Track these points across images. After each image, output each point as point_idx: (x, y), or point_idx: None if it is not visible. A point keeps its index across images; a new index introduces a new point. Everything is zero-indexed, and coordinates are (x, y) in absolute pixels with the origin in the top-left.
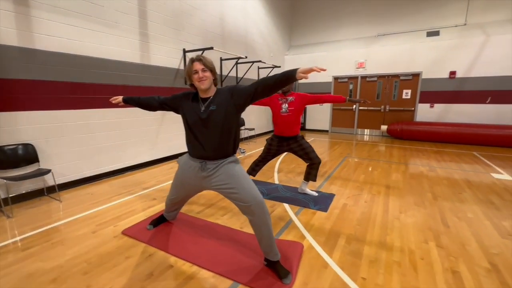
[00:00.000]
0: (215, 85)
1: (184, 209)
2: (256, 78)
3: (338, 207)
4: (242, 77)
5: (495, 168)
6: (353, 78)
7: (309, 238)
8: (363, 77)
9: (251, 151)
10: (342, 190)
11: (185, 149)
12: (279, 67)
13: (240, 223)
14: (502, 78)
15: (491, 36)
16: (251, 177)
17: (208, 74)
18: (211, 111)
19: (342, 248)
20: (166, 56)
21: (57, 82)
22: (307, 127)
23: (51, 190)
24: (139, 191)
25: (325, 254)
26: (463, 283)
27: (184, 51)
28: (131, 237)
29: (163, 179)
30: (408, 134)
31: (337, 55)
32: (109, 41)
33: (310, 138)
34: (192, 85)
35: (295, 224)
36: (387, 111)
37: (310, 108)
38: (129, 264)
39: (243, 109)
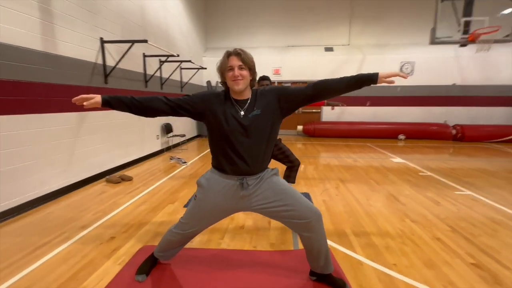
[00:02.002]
0: (252, 86)
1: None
2: (179, 80)
3: (320, 204)
4: (168, 78)
5: (389, 154)
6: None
7: None
8: (280, 83)
9: (190, 160)
10: (310, 188)
11: (113, 165)
12: (205, 68)
13: (249, 242)
14: (375, 87)
15: (366, 55)
16: None
17: (245, 73)
18: (255, 117)
19: (358, 243)
20: (79, 45)
21: None
22: None
23: None
24: (77, 232)
25: (350, 252)
26: (447, 244)
27: (102, 41)
28: None
29: (103, 209)
30: (319, 132)
31: (256, 61)
32: None
33: None
34: (224, 83)
35: None
36: (300, 113)
37: None
38: None
39: (288, 115)
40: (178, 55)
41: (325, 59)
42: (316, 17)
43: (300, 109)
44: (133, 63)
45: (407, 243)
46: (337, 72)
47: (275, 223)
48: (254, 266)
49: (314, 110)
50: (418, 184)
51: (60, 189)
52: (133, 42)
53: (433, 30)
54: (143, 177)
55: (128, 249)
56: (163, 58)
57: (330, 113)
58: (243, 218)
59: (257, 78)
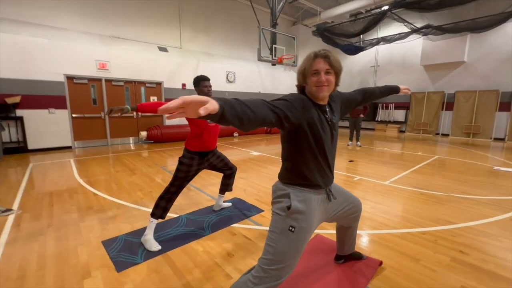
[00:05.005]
0: (333, 92)
1: None
2: None
3: (261, 200)
4: None
5: (245, 150)
6: (95, 80)
7: None
8: (108, 80)
9: (9, 204)
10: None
11: None
12: None
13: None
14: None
15: (200, 61)
16: (161, 220)
17: (332, 78)
18: (336, 123)
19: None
20: None
21: None
22: (31, 146)
23: None
24: None
25: (326, 231)
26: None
27: None
28: None
29: None
30: (167, 136)
31: (67, 48)
32: None
33: (46, 161)
34: (301, 87)
35: None
36: (139, 117)
37: (38, 118)
38: None
39: None
40: None
41: (162, 59)
42: (146, 12)
43: (139, 113)
44: None
45: None
46: (178, 73)
47: (250, 233)
48: (292, 281)
49: (154, 114)
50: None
51: None
52: None
53: (259, 50)
54: None
55: None
56: None
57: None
58: (210, 246)
59: (196, 79)
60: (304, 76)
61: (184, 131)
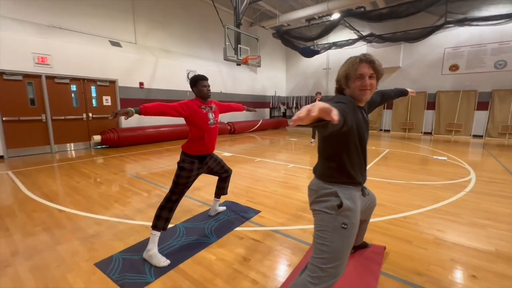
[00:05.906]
0: None
1: None
2: None
3: (253, 200)
4: None
5: (215, 151)
6: (33, 77)
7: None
8: (50, 77)
9: None
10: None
11: None
12: None
13: (283, 264)
14: (173, 91)
15: (159, 59)
16: (163, 231)
17: (374, 82)
18: (369, 124)
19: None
20: None
21: None
22: None
23: None
24: None
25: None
26: None
27: None
28: None
29: None
30: (125, 139)
31: None
32: None
33: None
34: (341, 89)
35: (285, 230)
36: (91, 119)
37: None
38: None
39: None
40: None
41: (116, 55)
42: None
43: (90, 114)
44: None
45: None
46: (134, 71)
47: (256, 235)
48: None
49: (107, 116)
50: (267, 168)
51: None
52: None
53: (225, 49)
54: None
55: None
56: None
57: (130, 118)
58: (222, 253)
59: (192, 80)
60: (347, 80)
61: (144, 133)
